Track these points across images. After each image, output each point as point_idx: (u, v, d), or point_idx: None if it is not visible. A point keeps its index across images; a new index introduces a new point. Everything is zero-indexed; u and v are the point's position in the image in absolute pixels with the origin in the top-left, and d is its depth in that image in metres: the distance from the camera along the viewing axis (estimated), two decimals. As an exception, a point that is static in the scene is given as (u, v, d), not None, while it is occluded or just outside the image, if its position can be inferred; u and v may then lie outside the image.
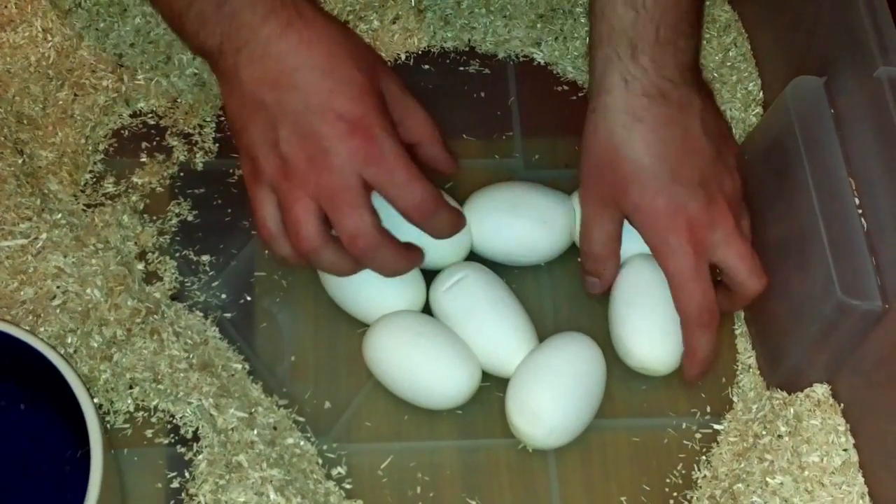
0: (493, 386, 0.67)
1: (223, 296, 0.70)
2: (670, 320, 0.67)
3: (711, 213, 0.65)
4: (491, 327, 0.67)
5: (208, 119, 0.77)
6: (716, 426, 0.67)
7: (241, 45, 0.62)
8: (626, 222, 0.68)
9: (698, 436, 0.67)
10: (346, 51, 0.63)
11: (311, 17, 0.63)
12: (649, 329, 0.68)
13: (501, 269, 0.71)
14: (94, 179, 0.74)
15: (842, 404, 0.64)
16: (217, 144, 0.76)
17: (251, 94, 0.62)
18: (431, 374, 0.66)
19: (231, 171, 0.75)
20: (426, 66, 0.81)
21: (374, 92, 0.63)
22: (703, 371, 0.67)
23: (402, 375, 0.66)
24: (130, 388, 0.64)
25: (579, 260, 0.70)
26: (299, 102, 0.62)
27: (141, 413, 0.65)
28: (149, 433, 0.64)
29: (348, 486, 0.64)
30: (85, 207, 0.72)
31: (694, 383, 0.68)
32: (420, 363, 0.66)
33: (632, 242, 0.69)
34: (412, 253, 0.66)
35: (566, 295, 0.72)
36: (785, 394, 0.66)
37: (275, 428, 0.64)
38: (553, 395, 0.65)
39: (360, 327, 0.69)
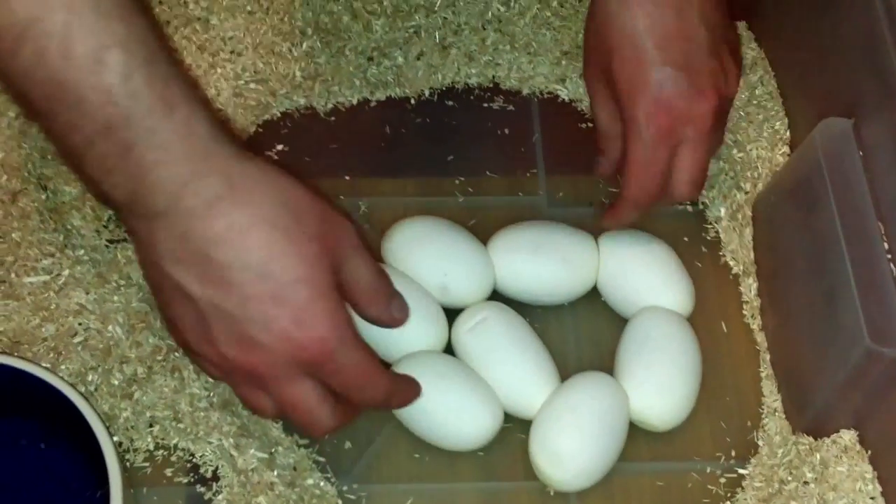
0: (515, 427, 0.67)
1: (244, 333, 0.70)
2: (674, 377, 0.66)
3: (690, 104, 0.64)
4: (513, 367, 0.67)
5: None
6: (741, 471, 0.67)
7: (155, 212, 0.52)
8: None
9: (723, 480, 0.66)
10: (289, 235, 0.54)
11: (243, 186, 0.53)
12: (650, 384, 0.67)
13: (524, 309, 0.70)
14: (117, 216, 0.74)
15: (869, 451, 0.63)
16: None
17: (172, 277, 0.53)
18: (453, 416, 0.65)
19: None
20: (450, 103, 0.81)
21: (324, 285, 0.55)
22: (615, 224, 0.69)
23: (424, 416, 0.65)
24: (150, 426, 0.64)
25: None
26: (235, 307, 0.53)
27: (161, 452, 0.64)
28: (168, 472, 0.64)
29: (368, 528, 0.64)
30: (108, 243, 0.72)
31: (604, 228, 0.71)
32: (441, 404, 0.65)
33: (641, 295, 0.69)
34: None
35: (589, 335, 0.71)
36: (811, 439, 0.65)
37: (294, 468, 0.64)
38: (577, 437, 0.64)
39: (381, 367, 0.68)
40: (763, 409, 0.69)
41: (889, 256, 0.61)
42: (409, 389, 0.64)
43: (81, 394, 0.60)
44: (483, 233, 0.72)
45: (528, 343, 0.68)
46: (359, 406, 0.60)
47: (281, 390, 0.56)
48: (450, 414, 0.65)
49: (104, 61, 0.50)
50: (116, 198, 0.53)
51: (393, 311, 0.61)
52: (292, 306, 0.53)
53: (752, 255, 0.73)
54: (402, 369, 0.66)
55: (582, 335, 0.71)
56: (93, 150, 0.51)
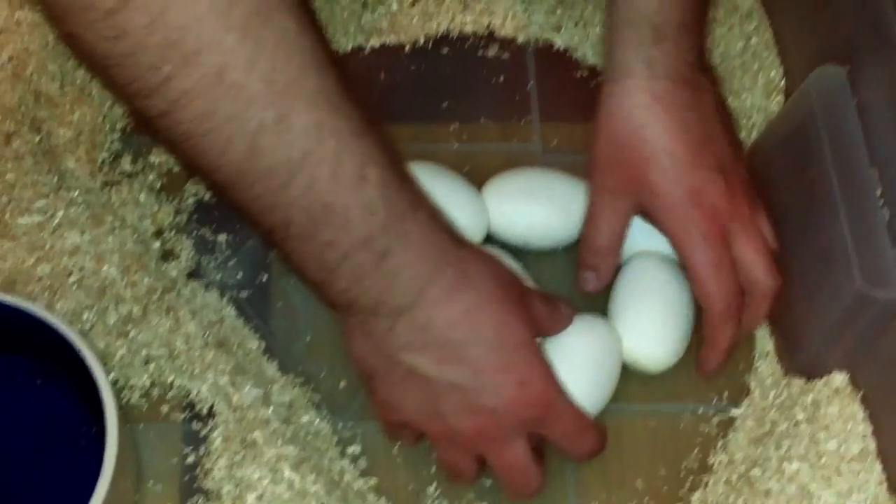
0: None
1: (239, 275, 0.70)
2: (667, 320, 0.67)
3: (731, 201, 0.65)
4: None
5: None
6: (733, 411, 0.67)
7: (400, 309, 0.56)
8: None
9: (715, 421, 0.67)
10: (510, 308, 0.59)
11: (472, 271, 0.58)
12: (643, 327, 0.67)
13: (518, 254, 0.71)
14: (112, 158, 0.74)
15: (861, 392, 0.63)
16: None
17: (406, 364, 0.58)
18: None
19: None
20: (445, 51, 0.81)
21: (534, 345, 0.60)
22: (723, 362, 0.66)
23: None
24: (146, 364, 0.64)
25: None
26: (468, 379, 0.57)
27: (156, 389, 0.65)
28: (164, 409, 0.64)
29: (363, 465, 0.64)
30: (102, 185, 0.72)
31: (710, 376, 0.67)
32: None
33: (635, 240, 0.69)
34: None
35: (583, 279, 0.71)
36: (803, 381, 0.65)
37: (290, 406, 0.64)
38: (569, 379, 0.64)
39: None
40: (755, 352, 0.69)
41: (882, 202, 0.61)
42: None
43: (77, 331, 0.60)
44: (477, 179, 0.72)
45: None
46: (574, 456, 0.63)
47: (502, 451, 0.60)
48: None
49: (367, 177, 0.53)
50: (364, 303, 0.56)
51: (566, 316, 0.65)
52: (518, 370, 0.58)
53: (745, 201, 0.74)
54: None
55: (576, 279, 0.71)
56: (348, 262, 0.54)
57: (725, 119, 0.67)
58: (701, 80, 0.66)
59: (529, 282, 0.68)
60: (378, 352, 0.58)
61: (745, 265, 0.65)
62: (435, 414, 0.59)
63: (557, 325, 0.64)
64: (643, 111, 0.64)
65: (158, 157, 0.74)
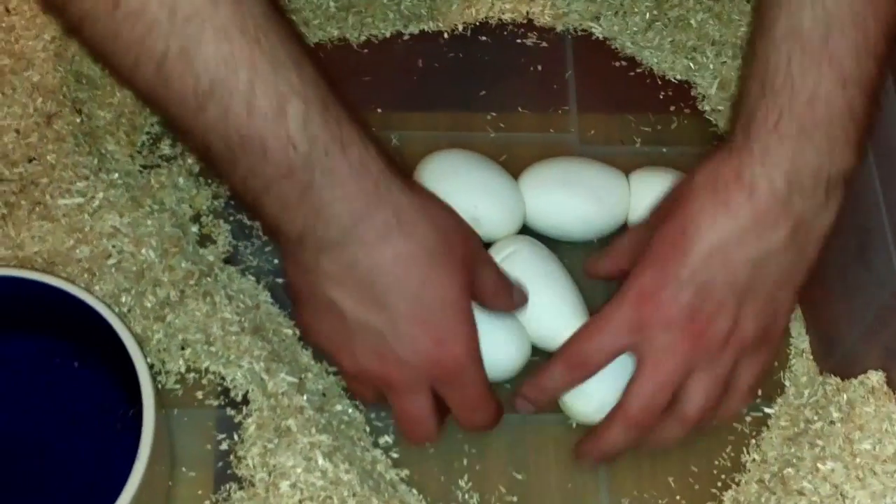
0: (542, 360, 0.67)
1: (276, 261, 0.70)
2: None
3: (726, 341, 0.60)
4: (541, 301, 0.67)
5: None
6: (766, 410, 0.67)
7: (328, 244, 0.56)
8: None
9: (748, 419, 0.67)
10: (443, 263, 0.58)
11: (409, 218, 0.57)
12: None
13: (554, 244, 0.71)
14: (151, 141, 0.74)
15: (896, 392, 0.63)
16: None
17: (327, 296, 0.58)
18: (481, 348, 0.65)
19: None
20: (483, 38, 0.80)
21: (465, 308, 0.59)
22: (594, 458, 0.64)
23: None
24: (182, 349, 0.65)
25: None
26: (384, 326, 0.57)
27: (192, 374, 0.65)
28: (199, 395, 0.65)
29: (395, 455, 0.65)
30: (141, 168, 0.72)
31: (579, 457, 0.65)
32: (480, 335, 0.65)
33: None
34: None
35: (619, 272, 0.71)
36: (838, 379, 0.65)
37: (324, 394, 0.65)
38: (603, 371, 0.64)
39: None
40: (790, 350, 0.69)
41: (924, 199, 0.61)
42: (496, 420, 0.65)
43: (116, 314, 0.60)
44: (513, 169, 0.72)
45: (556, 277, 0.68)
46: (467, 426, 0.63)
47: (403, 399, 0.61)
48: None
49: (285, 112, 0.52)
50: (290, 232, 0.56)
51: (515, 300, 0.65)
52: (437, 327, 0.58)
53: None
54: None
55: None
56: (272, 191, 0.54)
57: (793, 267, 0.60)
58: (798, 205, 0.58)
59: (563, 271, 0.68)
60: (305, 278, 0.58)
61: (684, 397, 0.61)
62: (346, 348, 0.59)
63: (500, 302, 0.64)
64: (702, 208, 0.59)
65: (197, 141, 0.74)
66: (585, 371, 0.63)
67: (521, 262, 0.68)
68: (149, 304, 0.65)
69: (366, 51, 0.79)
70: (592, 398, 0.64)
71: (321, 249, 0.56)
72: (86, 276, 0.65)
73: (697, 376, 0.60)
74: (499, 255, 0.68)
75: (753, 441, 0.66)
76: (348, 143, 0.55)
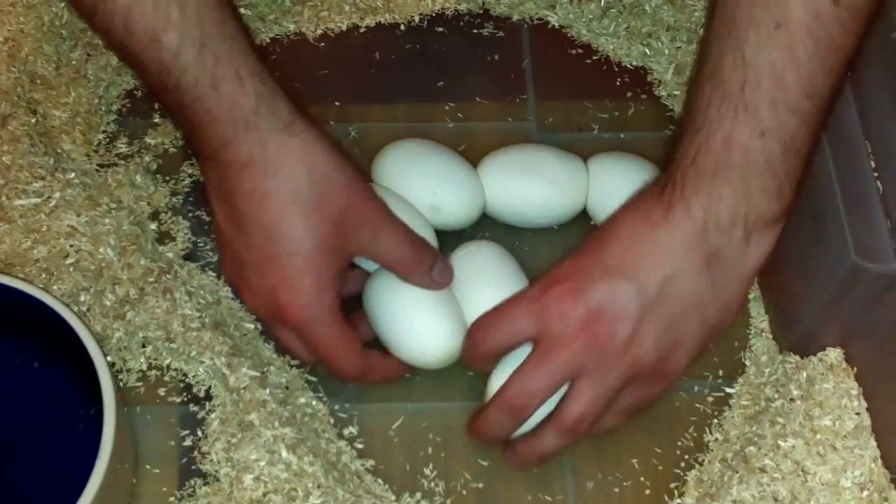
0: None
1: (236, 256, 0.70)
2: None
3: (624, 351, 0.58)
4: (491, 299, 0.64)
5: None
6: (728, 390, 0.67)
7: (205, 154, 0.61)
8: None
9: (710, 399, 0.67)
10: (304, 212, 0.59)
11: (277, 157, 0.59)
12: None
13: (514, 232, 0.71)
14: (108, 139, 0.74)
15: (855, 368, 0.64)
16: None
17: (212, 204, 0.63)
18: (414, 332, 0.64)
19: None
20: (440, 29, 0.80)
21: (321, 264, 0.60)
22: (523, 465, 0.64)
23: (392, 328, 0.65)
24: (143, 346, 0.65)
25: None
26: (243, 249, 0.61)
27: (154, 372, 0.65)
28: (161, 391, 0.65)
29: (360, 446, 0.65)
30: (98, 167, 0.72)
31: (509, 466, 0.64)
32: (406, 320, 0.64)
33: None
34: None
35: (579, 258, 0.71)
36: (798, 357, 0.66)
37: (287, 387, 0.65)
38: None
39: (372, 288, 0.69)
40: (750, 330, 0.70)
41: (876, 174, 0.61)
42: (389, 371, 0.65)
43: (75, 313, 0.60)
44: (473, 158, 0.72)
45: (509, 279, 0.66)
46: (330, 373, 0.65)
47: (272, 325, 0.64)
48: (412, 329, 0.64)
49: (159, 40, 0.57)
50: (184, 130, 0.62)
51: (434, 276, 0.64)
52: (283, 272, 0.60)
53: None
54: (379, 284, 0.66)
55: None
56: (160, 96, 0.60)
57: (703, 299, 0.59)
58: (715, 239, 0.58)
59: (517, 270, 0.67)
60: (209, 184, 0.63)
61: (564, 403, 0.60)
62: (225, 258, 0.64)
63: (408, 272, 0.63)
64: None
65: (154, 139, 0.74)
66: (489, 353, 0.62)
67: (475, 261, 0.67)
68: (108, 303, 0.65)
69: (322, 44, 0.79)
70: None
71: (202, 158, 0.62)
72: (44, 276, 0.65)
73: (584, 381, 0.59)
74: (455, 254, 0.68)
75: (716, 421, 0.66)
76: (222, 77, 0.58)
